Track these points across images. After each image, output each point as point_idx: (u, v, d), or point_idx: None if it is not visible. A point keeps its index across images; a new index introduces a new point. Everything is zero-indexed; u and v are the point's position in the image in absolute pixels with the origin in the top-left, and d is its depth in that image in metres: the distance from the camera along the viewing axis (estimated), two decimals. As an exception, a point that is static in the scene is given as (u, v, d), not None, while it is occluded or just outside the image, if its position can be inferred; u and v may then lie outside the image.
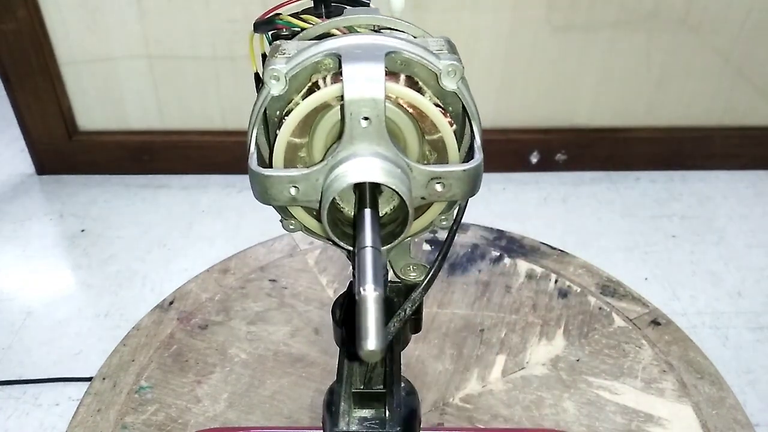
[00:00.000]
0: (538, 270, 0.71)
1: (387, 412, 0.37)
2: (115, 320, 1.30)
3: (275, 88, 0.31)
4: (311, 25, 0.36)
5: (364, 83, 0.29)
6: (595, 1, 1.47)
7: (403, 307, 0.36)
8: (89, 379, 0.60)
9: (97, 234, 1.51)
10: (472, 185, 0.32)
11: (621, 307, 0.67)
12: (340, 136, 0.31)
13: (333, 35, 0.34)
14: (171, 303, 0.67)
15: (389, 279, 0.40)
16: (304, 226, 0.35)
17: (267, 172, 0.31)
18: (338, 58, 0.30)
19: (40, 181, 1.67)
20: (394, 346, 0.38)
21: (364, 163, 0.30)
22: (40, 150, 1.66)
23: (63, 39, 1.50)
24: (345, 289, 0.41)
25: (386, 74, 0.30)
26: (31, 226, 1.54)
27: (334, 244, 0.33)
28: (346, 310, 0.40)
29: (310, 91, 0.31)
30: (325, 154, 0.32)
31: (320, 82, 0.31)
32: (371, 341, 0.25)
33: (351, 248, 0.33)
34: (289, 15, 0.37)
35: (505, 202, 1.61)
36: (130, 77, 1.56)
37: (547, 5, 1.47)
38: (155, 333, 0.64)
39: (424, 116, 0.32)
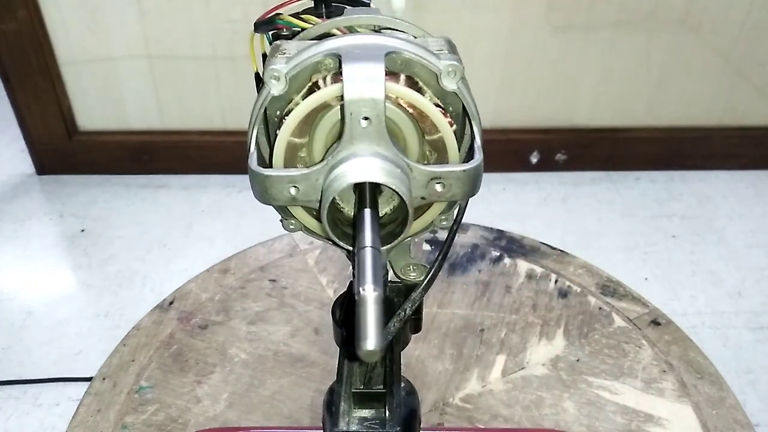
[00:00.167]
0: (538, 270, 0.71)
1: (387, 412, 0.37)
2: (115, 320, 1.30)
3: (275, 88, 0.31)
4: (311, 25, 0.36)
5: (364, 83, 0.29)
6: (595, 1, 1.47)
7: (403, 307, 0.36)
8: (89, 379, 0.60)
9: (97, 234, 1.51)
10: (472, 185, 0.32)
11: (621, 307, 0.67)
12: (340, 136, 0.31)
13: (333, 35, 0.34)
14: (171, 303, 0.67)
15: (389, 279, 0.40)
16: (304, 225, 0.35)
17: (267, 171, 0.31)
18: (338, 58, 0.30)
19: (40, 181, 1.67)
20: (394, 346, 0.38)
21: (364, 163, 0.30)
22: (40, 150, 1.66)
23: (63, 39, 1.50)
24: (345, 289, 0.41)
25: (386, 74, 0.30)
26: (31, 226, 1.54)
27: (334, 244, 0.33)
28: (346, 310, 0.40)
29: (310, 91, 0.31)
30: (325, 154, 0.32)
31: (320, 82, 0.31)
32: (370, 341, 0.25)
33: (351, 248, 0.33)
34: (290, 15, 0.37)
35: (505, 202, 1.61)
36: (130, 77, 1.56)
37: (547, 5, 1.47)
38: (155, 333, 0.64)
39: (424, 116, 0.32)
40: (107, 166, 1.67)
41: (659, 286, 1.39)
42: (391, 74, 0.31)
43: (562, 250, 0.74)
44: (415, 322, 0.40)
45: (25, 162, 1.70)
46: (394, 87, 0.31)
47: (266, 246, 0.74)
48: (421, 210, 0.34)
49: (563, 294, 0.68)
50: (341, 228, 0.33)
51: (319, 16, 0.37)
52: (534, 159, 1.67)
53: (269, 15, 0.37)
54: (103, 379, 0.60)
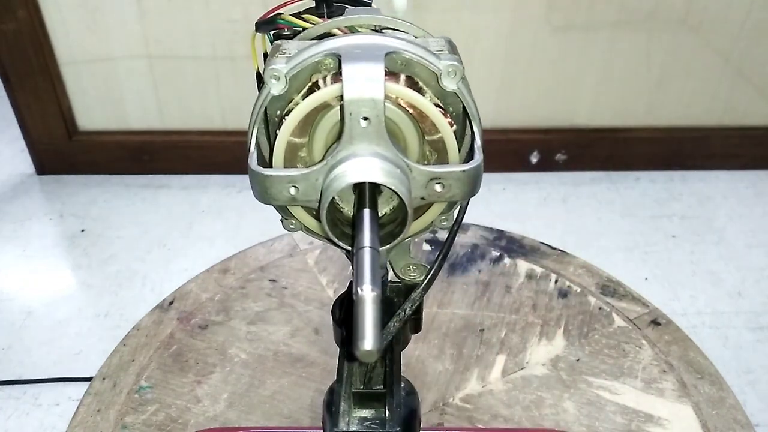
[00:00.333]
0: (538, 270, 0.71)
1: (387, 412, 0.37)
2: (115, 320, 1.30)
3: (275, 88, 0.31)
4: (312, 25, 0.36)
5: (364, 83, 0.29)
6: (595, 1, 1.47)
7: (403, 307, 0.36)
8: (89, 379, 0.60)
9: (97, 234, 1.51)
10: (471, 186, 0.32)
11: (621, 307, 0.67)
12: (339, 136, 0.31)
13: (333, 35, 0.34)
14: (171, 303, 0.67)
15: (389, 279, 0.40)
16: (304, 225, 0.35)
17: (267, 171, 0.31)
18: (338, 58, 0.30)
19: (40, 181, 1.67)
20: (394, 346, 0.38)
21: (364, 163, 0.30)
22: (40, 150, 1.66)
23: (63, 39, 1.50)
24: (345, 289, 0.41)
25: (386, 74, 0.30)
26: (31, 226, 1.54)
27: (334, 243, 0.33)
28: (346, 310, 0.40)
29: (311, 91, 0.31)
30: (324, 154, 0.32)
31: (320, 82, 0.31)
32: (368, 341, 0.25)
33: (350, 248, 0.33)
34: (291, 15, 0.37)
35: (505, 202, 1.61)
36: (130, 77, 1.56)
37: (547, 5, 1.47)
38: (155, 333, 0.64)
39: (424, 116, 0.32)
40: (107, 166, 1.67)
41: (659, 286, 1.39)
42: (391, 74, 0.31)
43: (562, 250, 0.74)
44: (415, 322, 0.40)
45: (25, 162, 1.70)
46: (394, 87, 0.31)
47: (266, 246, 0.74)
48: (420, 210, 0.34)
49: (563, 294, 0.68)
50: (340, 228, 0.33)
51: (320, 16, 0.37)
52: (534, 159, 1.67)
53: (270, 15, 0.37)
54: (103, 379, 0.60)
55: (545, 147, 1.66)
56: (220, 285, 0.69)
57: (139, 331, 0.65)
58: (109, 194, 1.63)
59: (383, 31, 0.36)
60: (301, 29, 0.36)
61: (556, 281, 0.70)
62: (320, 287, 0.69)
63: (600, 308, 0.67)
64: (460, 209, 0.35)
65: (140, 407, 0.58)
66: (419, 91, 0.31)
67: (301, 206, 0.33)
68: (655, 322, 0.65)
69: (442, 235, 0.71)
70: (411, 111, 0.32)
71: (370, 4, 0.39)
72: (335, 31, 0.35)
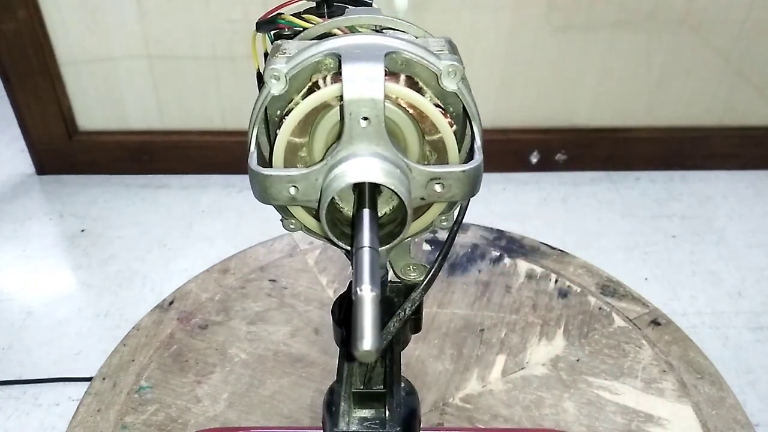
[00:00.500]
0: (538, 270, 0.71)
1: (387, 412, 0.37)
2: (115, 320, 1.30)
3: (275, 88, 0.31)
4: (312, 25, 0.36)
5: (364, 83, 0.29)
6: (595, 1, 1.47)
7: (402, 307, 0.36)
8: (89, 379, 0.60)
9: (97, 234, 1.51)
10: (471, 186, 0.32)
11: (621, 307, 0.67)
12: (339, 136, 0.31)
13: (334, 35, 0.34)
14: (171, 303, 0.67)
15: (389, 279, 0.40)
16: (304, 225, 0.35)
17: (266, 171, 0.31)
18: (338, 58, 0.30)
19: (40, 181, 1.67)
20: (394, 346, 0.38)
21: (363, 163, 0.30)
22: (40, 150, 1.66)
23: (63, 39, 1.50)
24: (345, 289, 0.41)
25: (386, 74, 0.30)
26: (31, 226, 1.54)
27: (333, 243, 0.33)
28: (346, 310, 0.40)
29: (311, 91, 0.31)
30: (324, 154, 0.32)
31: (320, 82, 0.31)
32: (367, 341, 0.25)
33: (350, 248, 0.33)
34: (291, 15, 0.37)
35: (505, 202, 1.61)
36: (130, 77, 1.56)
37: (547, 5, 1.47)
38: (155, 333, 0.64)
39: (424, 117, 0.31)
40: (107, 166, 1.67)
41: (659, 286, 1.39)
42: (392, 74, 0.31)
43: (562, 250, 0.74)
44: (415, 322, 0.40)
45: (25, 162, 1.70)
46: (394, 87, 0.31)
47: (266, 246, 0.74)
48: (420, 210, 0.34)
49: (563, 294, 0.68)
50: (340, 228, 0.33)
51: (320, 16, 0.37)
52: (534, 159, 1.67)
53: (271, 15, 0.37)
54: (103, 379, 0.60)
55: (545, 147, 1.66)
56: (220, 285, 0.69)
57: (139, 331, 0.65)
58: (109, 194, 1.63)
59: (384, 31, 0.36)
60: (301, 29, 0.36)
61: (556, 281, 0.70)
62: (320, 287, 0.69)
63: (600, 308, 0.67)
64: (460, 209, 0.35)
65: (140, 407, 0.58)
66: (419, 91, 0.31)
67: (301, 206, 0.33)
68: (655, 322, 0.65)
69: (442, 235, 0.71)
70: (411, 111, 0.31)
71: (370, 4, 0.39)
72: (335, 31, 0.35)
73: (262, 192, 0.32)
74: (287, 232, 0.35)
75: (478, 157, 0.31)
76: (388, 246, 0.33)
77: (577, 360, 0.62)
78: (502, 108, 1.61)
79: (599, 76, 1.58)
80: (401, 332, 0.39)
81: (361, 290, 0.26)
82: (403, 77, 0.31)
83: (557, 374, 0.61)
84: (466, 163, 0.32)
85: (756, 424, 1.13)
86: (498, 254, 0.73)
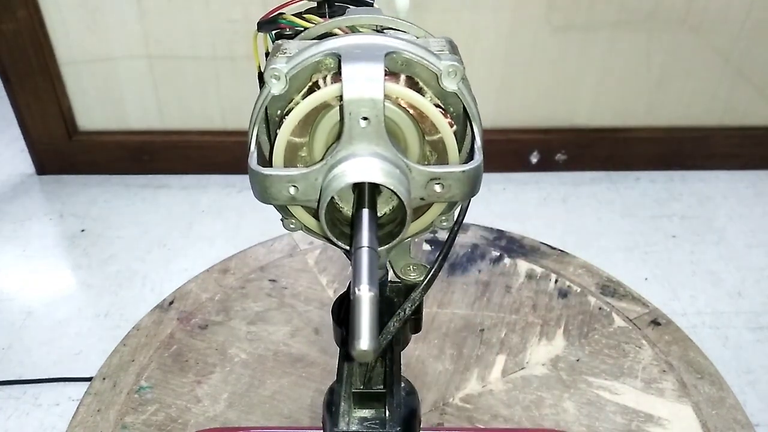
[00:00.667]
0: (538, 270, 0.71)
1: (387, 412, 0.37)
2: (115, 320, 1.30)
3: (276, 88, 0.31)
4: (313, 25, 0.36)
5: (364, 83, 0.29)
6: (595, 1, 1.47)
7: (402, 307, 0.36)
8: (89, 379, 0.60)
9: (97, 234, 1.51)
10: (471, 186, 0.32)
11: (621, 307, 0.67)
12: (339, 135, 0.31)
13: (334, 35, 0.34)
14: (171, 303, 0.67)
15: (389, 279, 0.40)
16: (304, 225, 0.35)
17: (266, 171, 0.31)
18: (338, 58, 0.30)
19: (40, 181, 1.67)
20: (394, 346, 0.38)
21: (363, 163, 0.30)
22: (40, 150, 1.66)
23: (63, 39, 1.50)
24: (345, 289, 0.41)
25: (387, 74, 0.30)
26: (31, 226, 1.54)
27: (333, 243, 0.33)
28: (346, 310, 0.40)
29: (311, 91, 0.31)
30: (324, 154, 0.32)
31: (320, 82, 0.31)
32: (364, 341, 0.25)
33: (349, 248, 0.33)
34: (293, 14, 0.37)
35: (505, 202, 1.61)
36: (130, 77, 1.56)
37: (547, 5, 1.47)
38: (155, 333, 0.64)
39: (424, 117, 0.31)
40: (107, 166, 1.67)
41: (659, 286, 1.39)
42: (392, 74, 0.31)
43: (562, 250, 0.74)
44: (415, 322, 0.40)
45: (25, 162, 1.70)
46: (394, 87, 0.31)
47: (266, 246, 0.74)
48: (420, 210, 0.34)
49: (563, 294, 0.68)
50: (340, 228, 0.33)
51: (321, 16, 0.37)
52: (534, 159, 1.67)
53: (272, 14, 0.37)
54: (103, 379, 0.60)
55: (545, 147, 1.66)
56: (220, 285, 0.69)
57: (139, 331, 0.65)
58: (109, 194, 1.63)
59: (385, 31, 0.36)
60: (302, 29, 0.36)
61: (556, 281, 0.70)
62: (320, 287, 0.69)
63: (600, 308, 0.67)
64: (460, 210, 0.35)
65: (140, 407, 0.58)
66: (419, 91, 0.31)
67: (301, 206, 0.33)
68: (655, 322, 0.65)
69: (442, 235, 0.71)
70: (411, 111, 0.31)
71: (371, 4, 0.39)
72: (336, 31, 0.35)
73: (262, 192, 0.32)
74: (287, 232, 0.35)
75: (478, 157, 0.31)
76: (387, 246, 0.33)
77: (577, 360, 0.62)
78: (502, 108, 1.61)
79: (599, 76, 1.58)
80: (401, 332, 0.39)
81: (359, 290, 0.26)
82: (403, 77, 0.31)
83: (557, 374, 0.61)
84: (466, 163, 0.32)
85: (756, 424, 1.13)
86: (498, 254, 0.73)
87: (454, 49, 0.33)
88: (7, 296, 1.36)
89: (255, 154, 0.32)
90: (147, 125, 1.63)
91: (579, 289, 0.69)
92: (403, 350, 0.40)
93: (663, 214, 1.58)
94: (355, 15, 0.36)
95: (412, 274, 0.38)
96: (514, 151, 1.66)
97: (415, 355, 0.62)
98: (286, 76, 0.31)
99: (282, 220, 0.35)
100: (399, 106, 0.31)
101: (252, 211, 1.54)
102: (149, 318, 0.66)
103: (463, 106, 0.32)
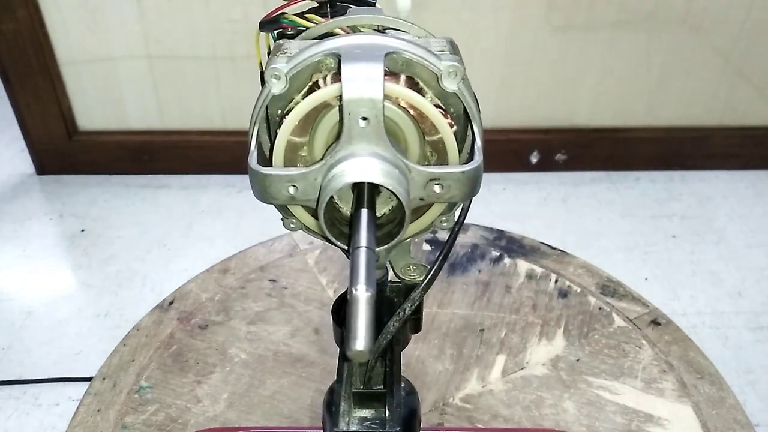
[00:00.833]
0: (538, 270, 0.71)
1: (387, 412, 0.37)
2: (115, 320, 1.30)
3: (276, 87, 0.31)
4: (315, 25, 0.36)
5: (363, 83, 0.29)
6: (595, 1, 1.47)
7: (402, 307, 0.36)
8: (89, 379, 0.60)
9: (97, 234, 1.51)
10: (471, 187, 0.32)
11: (621, 307, 0.67)
12: (338, 135, 0.31)
13: (336, 35, 0.34)
14: (171, 303, 0.67)
15: (389, 279, 0.40)
16: (304, 225, 0.35)
17: (266, 170, 0.31)
18: (338, 58, 0.30)
19: (40, 181, 1.67)
20: (394, 346, 0.38)
21: (362, 164, 0.30)
22: (40, 150, 1.66)
23: (63, 39, 1.50)
24: (345, 289, 0.41)
25: (387, 74, 0.30)
26: (31, 226, 1.54)
27: (332, 243, 0.33)
28: (346, 310, 0.40)
29: (311, 91, 0.31)
30: (324, 154, 0.32)
31: (320, 82, 0.31)
32: (360, 342, 0.25)
33: (348, 247, 0.33)
34: (294, 14, 0.37)
35: (505, 202, 1.61)
36: (130, 77, 1.56)
37: (547, 5, 1.47)
38: (155, 333, 0.64)
39: (424, 117, 0.31)
40: (107, 166, 1.67)
41: (659, 286, 1.39)
42: (392, 75, 0.31)
43: (562, 250, 0.74)
44: (415, 322, 0.40)
45: (25, 162, 1.70)
46: (394, 87, 0.31)
47: (266, 246, 0.74)
48: (420, 211, 0.34)
49: (563, 294, 0.68)
50: (338, 227, 0.33)
51: (323, 16, 0.37)
52: (534, 159, 1.67)
53: (274, 14, 0.37)
54: (103, 379, 0.60)
55: (545, 147, 1.66)
56: (220, 285, 0.69)
57: (139, 331, 0.65)
58: (109, 194, 1.63)
59: (387, 31, 0.36)
60: (304, 29, 0.36)
61: (556, 281, 0.70)
62: (320, 287, 0.69)
63: (600, 308, 0.67)
64: (462, 210, 0.35)
65: (140, 407, 0.58)
66: (420, 91, 0.31)
67: (301, 206, 0.33)
68: (655, 322, 0.65)
69: (443, 235, 0.71)
70: (411, 112, 0.31)
71: (373, 4, 0.39)
72: (337, 30, 0.35)
73: (262, 191, 0.32)
74: (287, 232, 0.35)
75: (478, 158, 0.31)
76: (386, 246, 0.33)
77: (577, 360, 0.62)
78: (502, 108, 1.61)
79: (599, 76, 1.58)
80: (401, 332, 0.39)
81: (356, 290, 0.26)
82: (403, 77, 0.31)
83: (557, 374, 0.61)
84: (466, 164, 0.32)
85: (756, 424, 1.13)
86: (498, 254, 0.73)
87: (454, 49, 0.33)
88: (7, 296, 1.36)
89: (255, 154, 0.32)
90: (147, 125, 1.63)
91: (579, 289, 0.69)
92: (403, 350, 0.40)
93: (663, 214, 1.58)
94: (356, 15, 0.36)
95: (412, 274, 0.38)
96: (514, 151, 1.66)
97: (415, 355, 0.62)
98: (286, 76, 0.31)
99: (282, 219, 0.35)
100: (399, 106, 0.31)
101: (252, 211, 1.54)
102: (149, 318, 0.66)
103: (464, 106, 0.32)
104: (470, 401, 0.59)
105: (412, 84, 0.31)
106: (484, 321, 0.66)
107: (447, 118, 0.32)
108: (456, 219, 0.35)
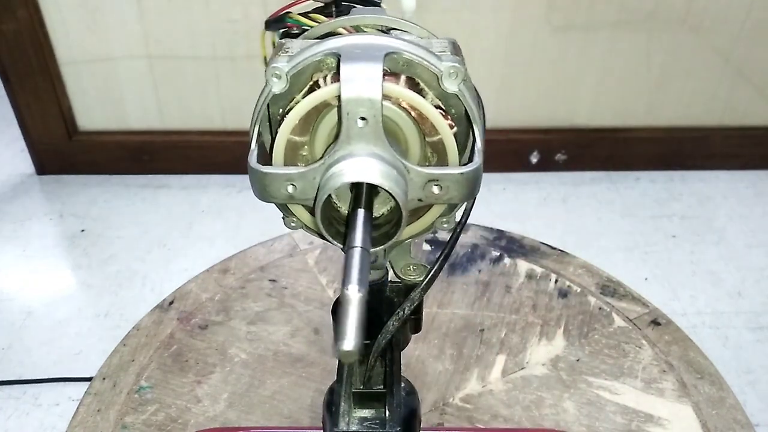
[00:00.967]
0: (538, 270, 0.71)
1: (387, 412, 0.37)
2: (115, 320, 1.30)
3: (276, 86, 0.31)
4: (317, 24, 0.36)
5: (362, 83, 0.29)
6: (595, 1, 1.47)
7: (402, 306, 0.36)
8: (89, 379, 0.60)
9: (97, 234, 1.51)
10: (470, 188, 0.31)
11: (621, 307, 0.67)
12: (336, 135, 0.31)
13: (339, 34, 0.34)
14: (171, 303, 0.67)
15: (389, 279, 0.40)
16: (304, 224, 0.35)
17: (265, 169, 0.31)
18: (338, 58, 0.30)
19: (40, 181, 1.67)
20: (394, 346, 0.38)
21: (360, 164, 0.30)
22: (40, 150, 1.66)
23: (63, 39, 1.50)
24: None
25: (388, 75, 0.30)
26: (31, 226, 1.54)
27: (329, 242, 0.33)
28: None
29: (312, 90, 0.31)
30: (324, 153, 0.32)
31: (321, 81, 0.31)
32: (348, 342, 0.25)
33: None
34: (299, 14, 0.37)
35: (505, 202, 1.61)
36: (130, 77, 1.56)
37: (547, 5, 1.47)
38: (155, 333, 0.64)
39: (425, 118, 0.31)
40: (107, 166, 1.67)
41: (659, 286, 1.39)
42: (393, 75, 0.31)
43: (562, 250, 0.74)
44: (415, 322, 0.40)
45: (25, 162, 1.70)
46: (393, 88, 0.31)
47: (266, 246, 0.74)
48: (421, 211, 0.34)
49: (563, 294, 0.68)
50: (336, 227, 0.33)
51: (328, 16, 0.37)
52: (534, 159, 1.67)
53: (280, 13, 0.37)
54: (103, 379, 0.60)
55: (545, 147, 1.66)
56: (220, 285, 0.69)
57: (139, 331, 0.65)
58: (109, 194, 1.63)
59: (390, 32, 0.36)
60: (308, 28, 0.36)
61: (556, 281, 0.70)
62: (320, 287, 0.69)
63: (600, 308, 0.67)
64: (464, 212, 0.34)
65: (140, 407, 0.58)
66: (420, 92, 0.31)
67: (301, 205, 0.33)
68: (655, 322, 0.65)
69: (443, 235, 0.71)
70: (412, 112, 0.31)
71: (378, 4, 0.39)
72: (340, 30, 0.35)
73: (261, 189, 0.32)
74: (287, 232, 0.35)
75: (478, 159, 0.31)
76: (382, 247, 0.33)
77: (577, 360, 0.62)
78: (502, 108, 1.61)
79: (599, 76, 1.58)
80: (401, 332, 0.39)
81: (347, 290, 0.26)
82: (403, 78, 0.31)
83: (557, 374, 0.61)
84: (466, 165, 0.32)
85: (756, 424, 1.13)
86: (498, 254, 0.73)
87: (456, 50, 0.33)
88: (7, 296, 1.36)
89: (255, 152, 0.32)
90: (147, 125, 1.63)
91: (579, 289, 0.69)
92: (403, 350, 0.40)
93: (663, 214, 1.58)
94: (358, 15, 0.36)
95: (412, 274, 0.38)
96: (514, 151, 1.66)
97: (415, 355, 0.62)
98: (287, 75, 0.31)
99: (283, 218, 0.35)
100: (400, 106, 0.31)
101: (252, 211, 1.54)
102: (149, 318, 0.66)
103: (465, 107, 0.32)
104: (470, 401, 0.59)
105: (413, 85, 0.31)
106: (484, 321, 0.66)
107: (447, 119, 0.32)
108: (457, 220, 0.35)
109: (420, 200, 0.32)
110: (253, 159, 0.31)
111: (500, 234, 0.75)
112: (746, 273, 1.42)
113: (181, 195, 1.62)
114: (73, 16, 1.47)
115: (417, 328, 0.41)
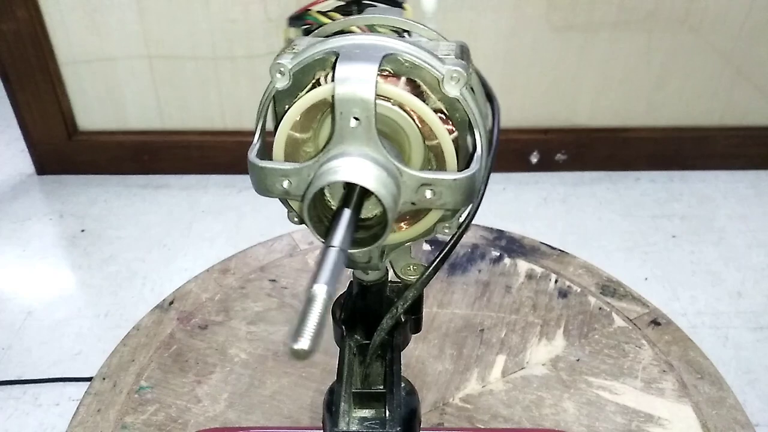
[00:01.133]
0: (538, 270, 0.71)
1: (387, 412, 0.37)
2: (115, 320, 1.30)
3: (279, 83, 0.31)
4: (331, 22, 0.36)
5: (355, 83, 0.29)
6: (595, 1, 1.47)
7: (395, 304, 0.36)
8: (89, 379, 0.60)
9: (97, 234, 1.51)
10: (464, 195, 0.31)
11: (621, 307, 0.67)
12: (330, 134, 0.31)
13: (352, 33, 0.34)
14: (171, 303, 0.67)
15: (389, 279, 0.40)
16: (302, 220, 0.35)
17: (261, 163, 0.31)
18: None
19: (40, 181, 1.67)
20: (393, 346, 0.38)
21: (349, 163, 0.30)
22: (40, 150, 1.66)
23: (63, 39, 1.50)
24: (345, 289, 0.41)
25: (390, 76, 0.30)
26: (31, 226, 1.54)
27: (318, 239, 0.33)
28: (346, 310, 0.40)
29: (314, 88, 0.31)
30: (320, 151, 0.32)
31: (322, 80, 0.31)
32: (304, 341, 0.24)
33: None
34: (318, 12, 0.37)
35: (505, 202, 1.61)
36: (130, 77, 1.56)
37: (547, 5, 1.47)
38: (155, 333, 0.64)
39: (424, 121, 0.31)
40: (107, 166, 1.67)
41: (659, 286, 1.39)
42: (395, 76, 0.31)
43: (562, 250, 0.74)
44: (415, 322, 0.40)
45: (25, 162, 1.70)
46: (389, 89, 0.30)
47: (266, 246, 0.74)
48: (419, 215, 0.34)
49: (563, 294, 0.68)
50: (326, 225, 0.33)
51: (347, 14, 0.37)
52: (534, 159, 1.67)
53: (302, 11, 0.37)
54: (103, 379, 0.60)
55: (545, 147, 1.66)
56: (220, 285, 0.69)
57: (139, 331, 0.65)
58: (109, 194, 1.63)
59: (403, 33, 0.36)
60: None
61: (556, 281, 0.70)
62: (320, 287, 0.69)
63: (600, 308, 0.67)
64: (466, 217, 0.34)
65: (140, 407, 0.58)
66: (422, 95, 0.31)
67: (297, 200, 0.33)
68: (655, 322, 0.65)
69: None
70: (413, 115, 0.31)
71: (400, 4, 0.39)
72: (353, 29, 0.35)
73: (258, 183, 0.32)
74: (287, 232, 0.35)
75: (474, 166, 0.31)
76: (367, 248, 0.32)
77: (577, 360, 0.62)
78: (502, 108, 1.61)
79: (599, 76, 1.58)
80: (401, 332, 0.39)
81: (315, 288, 0.25)
82: (403, 80, 0.31)
83: (557, 374, 0.61)
84: (462, 171, 0.31)
85: (756, 424, 1.13)
86: (498, 254, 0.73)
87: (463, 54, 0.32)
88: (7, 296, 1.36)
89: (257, 147, 0.32)
90: (147, 125, 1.63)
91: (579, 289, 0.69)
92: (403, 350, 0.40)
93: (663, 214, 1.58)
94: (369, 14, 0.36)
95: (412, 275, 0.38)
96: (514, 151, 1.66)
97: (415, 355, 0.62)
98: (290, 72, 0.31)
99: (288, 213, 0.35)
100: (403, 108, 0.31)
101: (252, 211, 1.54)
102: (149, 318, 0.66)
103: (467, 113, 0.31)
104: (470, 401, 0.59)
105: (415, 87, 0.31)
106: (484, 321, 0.66)
107: (448, 123, 0.31)
108: (459, 226, 0.34)
109: (413, 204, 0.31)
110: (252, 153, 0.32)
111: (500, 234, 0.75)
112: (746, 273, 1.42)
113: (181, 195, 1.62)
114: (73, 16, 1.48)
115: (417, 328, 0.41)
